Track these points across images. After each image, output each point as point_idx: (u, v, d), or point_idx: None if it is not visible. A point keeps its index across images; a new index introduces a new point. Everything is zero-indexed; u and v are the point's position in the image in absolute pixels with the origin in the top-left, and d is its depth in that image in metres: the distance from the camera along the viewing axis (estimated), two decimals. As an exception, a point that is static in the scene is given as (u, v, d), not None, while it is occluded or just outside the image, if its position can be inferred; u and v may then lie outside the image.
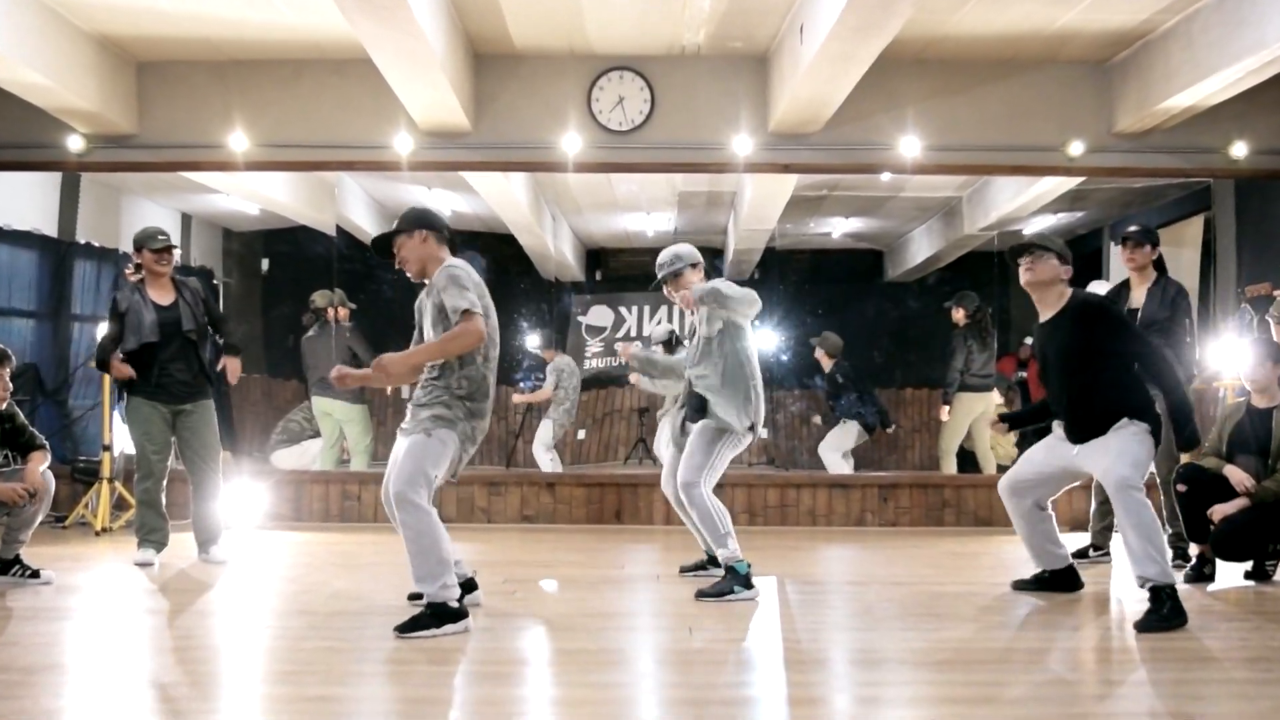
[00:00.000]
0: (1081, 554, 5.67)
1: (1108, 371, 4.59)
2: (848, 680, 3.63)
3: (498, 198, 8.70)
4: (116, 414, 7.09)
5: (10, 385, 5.08)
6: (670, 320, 10.06)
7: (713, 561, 5.41)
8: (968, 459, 8.65)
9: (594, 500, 7.70)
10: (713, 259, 10.13)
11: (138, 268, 5.85)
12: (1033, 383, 9.22)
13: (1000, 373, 9.02)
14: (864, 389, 8.93)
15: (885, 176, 8.05)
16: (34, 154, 7.60)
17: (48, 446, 5.20)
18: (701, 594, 4.85)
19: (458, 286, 4.17)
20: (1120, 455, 4.46)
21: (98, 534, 6.76)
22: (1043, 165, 7.73)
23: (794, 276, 10.36)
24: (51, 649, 3.93)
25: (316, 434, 8.58)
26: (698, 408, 5.11)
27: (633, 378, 5.44)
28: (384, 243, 4.45)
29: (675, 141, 7.60)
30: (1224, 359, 6.83)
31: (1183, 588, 5.03)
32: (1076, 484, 5.08)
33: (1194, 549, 5.34)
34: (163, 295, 5.78)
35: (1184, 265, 8.22)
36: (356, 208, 9.05)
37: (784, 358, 9.54)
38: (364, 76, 6.93)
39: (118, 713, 3.15)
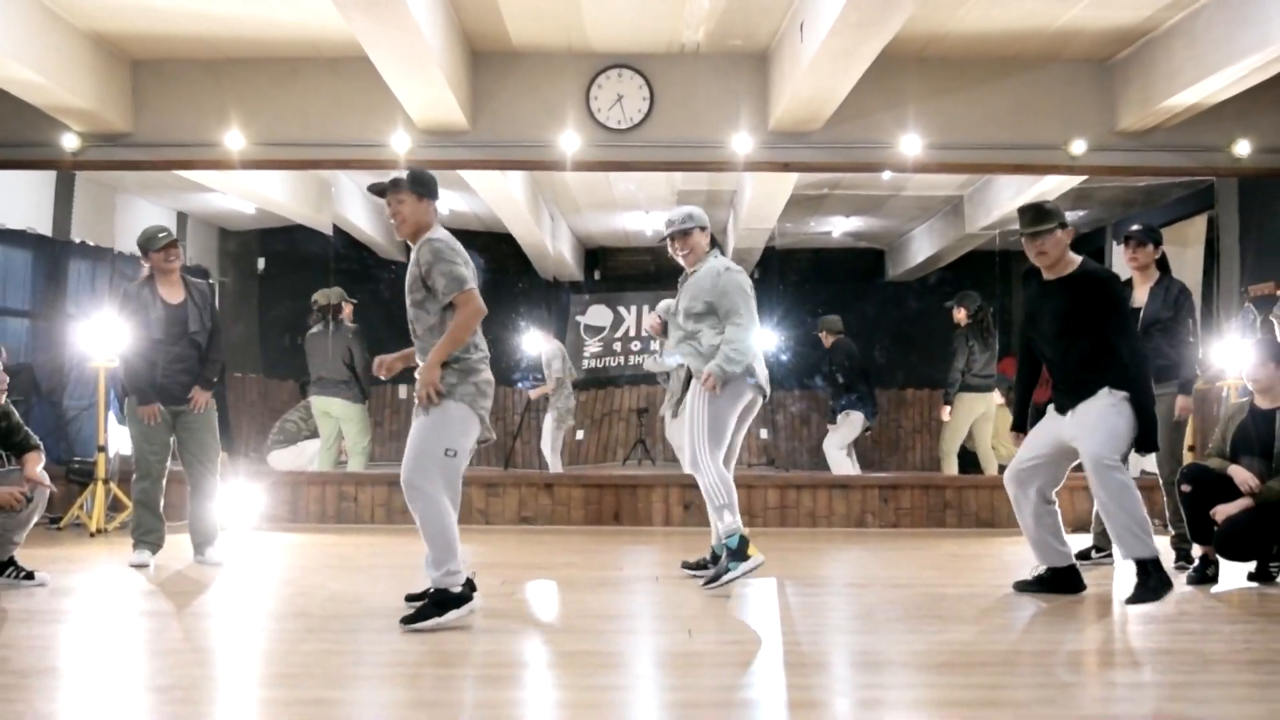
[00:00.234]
0: (1084, 555, 5.66)
1: (1096, 339, 4.67)
2: (848, 683, 3.63)
3: (495, 196, 8.70)
4: (112, 414, 7.09)
5: (5, 381, 5.07)
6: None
7: (715, 560, 5.39)
8: (969, 460, 8.65)
9: (592, 501, 7.70)
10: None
11: (150, 273, 5.84)
12: (1009, 371, 9.22)
13: (1001, 373, 9.01)
14: (863, 384, 8.93)
15: (886, 175, 8.05)
16: (28, 152, 7.60)
17: (42, 447, 5.19)
18: (705, 582, 4.93)
19: (446, 263, 4.22)
20: (1095, 430, 4.57)
21: (93, 535, 6.76)
22: (1045, 164, 7.74)
23: (794, 276, 10.36)
24: (46, 652, 3.92)
25: (313, 434, 8.58)
26: (689, 377, 5.16)
27: (648, 365, 5.56)
28: (383, 187, 4.43)
29: (674, 140, 7.61)
30: (1227, 359, 6.83)
31: (1186, 590, 5.05)
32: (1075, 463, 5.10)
33: (1197, 550, 5.34)
34: (173, 294, 5.78)
35: (1187, 264, 8.22)
36: (353, 207, 9.05)
37: (784, 358, 9.54)
38: (360, 74, 6.93)
39: (113, 716, 3.15)
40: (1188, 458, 6.07)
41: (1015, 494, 4.96)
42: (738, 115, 7.52)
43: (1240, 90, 6.78)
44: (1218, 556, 5.29)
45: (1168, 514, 5.78)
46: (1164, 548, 5.57)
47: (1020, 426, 5.20)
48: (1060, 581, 4.93)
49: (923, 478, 8.19)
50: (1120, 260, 6.08)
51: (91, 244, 8.46)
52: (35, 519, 5.07)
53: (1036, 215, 4.81)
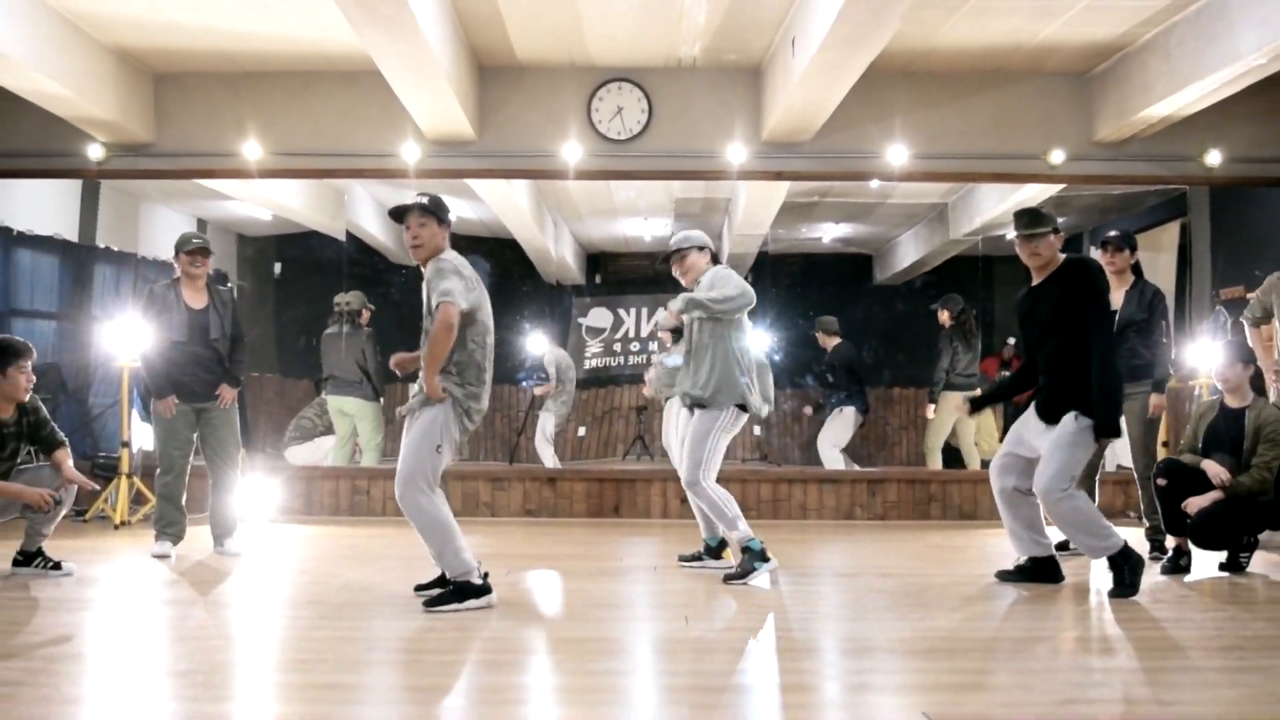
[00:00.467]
0: (1062, 546, 5.67)
1: (1076, 339, 4.64)
2: (838, 668, 3.63)
3: (501, 204, 8.70)
4: (135, 411, 7.10)
5: (34, 377, 5.07)
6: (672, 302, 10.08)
7: (710, 553, 5.42)
8: (953, 455, 8.65)
9: (593, 495, 7.70)
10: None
11: (177, 276, 5.84)
12: (990, 370, 9.22)
13: (983, 373, 9.03)
14: (854, 383, 8.93)
15: (874, 183, 8.06)
16: (55, 162, 7.60)
17: (68, 443, 5.18)
18: (729, 578, 4.95)
19: (441, 278, 4.27)
20: (1051, 463, 4.61)
21: (117, 527, 6.76)
22: (1026, 173, 7.75)
23: (786, 280, 10.36)
24: (73, 638, 3.92)
25: (328, 431, 8.59)
26: (698, 396, 5.17)
27: (648, 391, 5.59)
28: (403, 211, 4.43)
29: (672, 150, 7.60)
30: (1199, 359, 6.84)
31: (1160, 579, 5.06)
32: None
33: (1171, 541, 5.34)
34: (196, 299, 5.78)
35: (1161, 269, 8.23)
36: (366, 214, 9.05)
37: (776, 358, 9.53)
38: (372, 87, 6.93)
39: (136, 700, 3.15)
40: (1161, 453, 6.08)
41: (996, 484, 4.97)
42: (732, 126, 7.52)
43: (1212, 103, 6.78)
44: (1190, 547, 5.30)
45: (1143, 507, 5.79)
46: (1139, 539, 5.59)
47: (979, 405, 5.28)
48: (1040, 571, 4.94)
49: (908, 472, 8.19)
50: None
51: (116, 249, 8.46)
52: (63, 513, 5.08)
53: (1033, 219, 4.79)
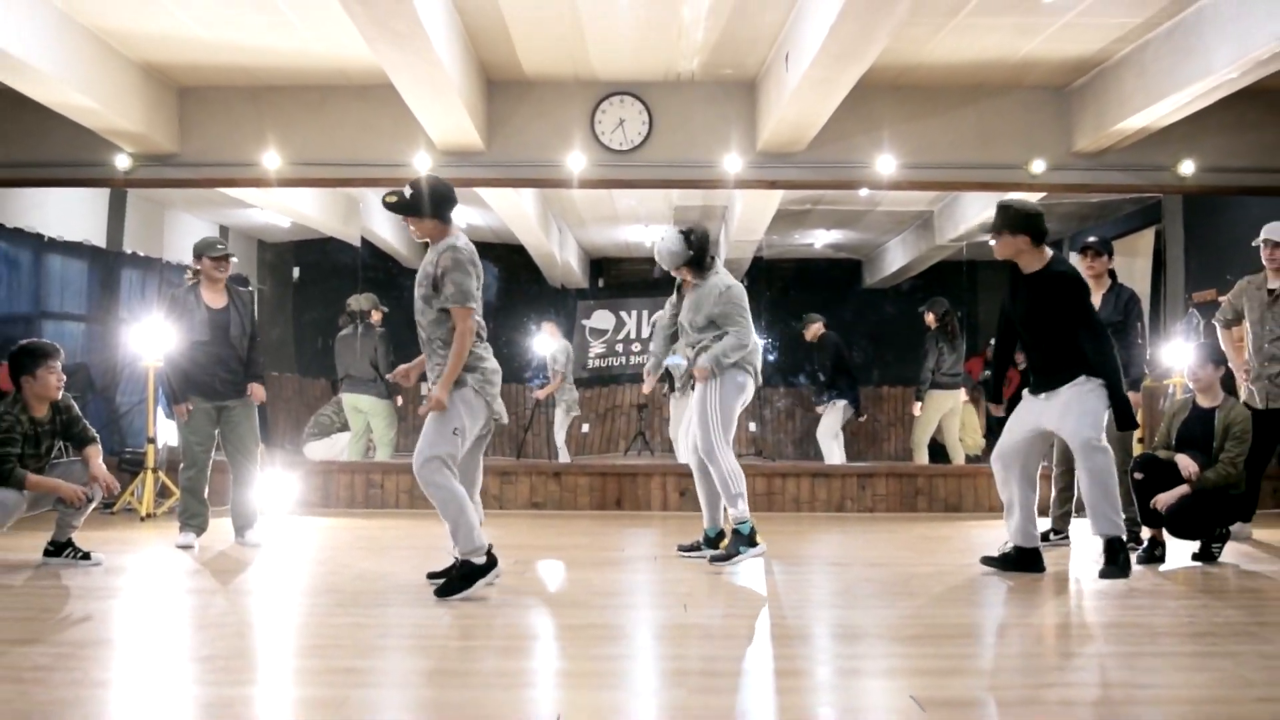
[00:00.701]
0: (1043, 537, 5.66)
1: (1065, 332, 4.65)
2: (829, 653, 3.63)
3: (509, 211, 8.70)
4: (160, 409, 7.10)
5: (64, 377, 5.07)
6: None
7: (709, 543, 5.39)
8: (938, 451, 8.65)
9: (597, 488, 7.70)
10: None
11: (195, 274, 5.85)
12: (974, 370, 9.22)
13: (967, 372, 9.02)
14: (844, 378, 8.95)
15: (864, 192, 8.05)
16: (84, 172, 7.61)
17: (98, 439, 5.18)
18: (714, 558, 4.91)
19: (461, 274, 4.21)
20: (1082, 415, 4.54)
21: (143, 519, 6.76)
22: (1007, 182, 7.74)
23: (780, 284, 10.35)
24: (101, 625, 3.93)
25: (344, 428, 8.58)
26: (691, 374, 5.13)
27: (646, 388, 5.50)
28: (397, 206, 4.38)
29: (671, 160, 7.61)
30: (1173, 359, 6.83)
31: (1136, 569, 5.04)
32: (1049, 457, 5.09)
33: (1146, 532, 5.34)
34: (216, 300, 5.78)
35: (1137, 273, 8.22)
36: (380, 221, 9.05)
37: (770, 357, 9.53)
38: (386, 100, 6.93)
39: (161, 684, 3.15)
40: (1137, 449, 6.07)
41: (1000, 474, 4.94)
42: (729, 138, 7.52)
43: (1185, 115, 6.78)
44: (1165, 538, 5.30)
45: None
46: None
47: (995, 398, 5.26)
48: (1023, 561, 4.93)
49: (896, 467, 8.18)
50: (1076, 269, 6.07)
51: (142, 254, 8.46)
52: (92, 507, 5.08)
53: (997, 218, 4.84)
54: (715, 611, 4.25)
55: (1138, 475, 5.27)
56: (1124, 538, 4.48)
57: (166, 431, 7.22)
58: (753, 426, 9.63)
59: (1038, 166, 7.54)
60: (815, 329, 9.08)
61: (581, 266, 11.08)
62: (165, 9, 6.13)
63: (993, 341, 9.35)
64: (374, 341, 8.40)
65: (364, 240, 8.66)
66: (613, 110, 7.55)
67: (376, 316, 8.51)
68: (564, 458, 9.24)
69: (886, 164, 7.49)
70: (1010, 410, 5.06)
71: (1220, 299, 6.48)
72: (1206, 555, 5.29)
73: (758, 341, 5.25)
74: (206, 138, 7.62)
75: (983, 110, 7.62)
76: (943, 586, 4.70)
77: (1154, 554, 5.27)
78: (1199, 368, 5.37)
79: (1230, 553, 5.47)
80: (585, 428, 10.32)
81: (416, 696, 3.09)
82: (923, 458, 8.60)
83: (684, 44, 6.81)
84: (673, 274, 5.35)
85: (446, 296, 4.22)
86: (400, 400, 8.61)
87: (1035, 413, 4.81)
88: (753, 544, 4.92)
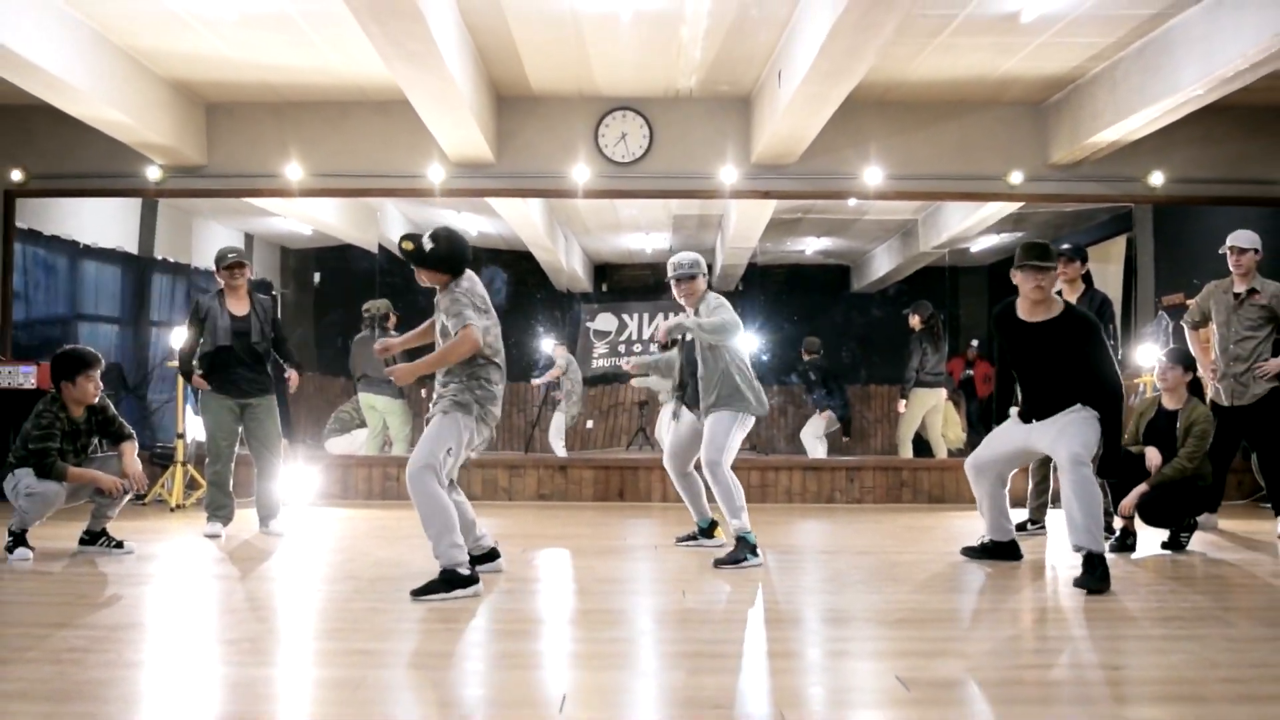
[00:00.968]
0: (1020, 527, 5.66)
1: (1078, 369, 4.49)
2: (819, 636, 3.62)
3: (517, 220, 8.70)
4: (189, 406, 7.09)
5: (101, 385, 5.07)
6: (668, 319, 10.06)
7: (703, 533, 5.40)
8: (922, 445, 8.64)
9: (600, 481, 7.69)
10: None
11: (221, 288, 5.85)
12: (978, 380, 9.21)
13: (948, 372, 9.01)
14: (833, 384, 8.97)
15: (852, 202, 8.05)
16: (118, 182, 7.62)
17: (134, 436, 5.18)
18: (718, 562, 4.81)
19: (458, 305, 4.14)
20: (1073, 435, 4.39)
21: (172, 510, 6.76)
22: (987, 192, 7.75)
23: (773, 288, 10.33)
24: (133, 609, 3.93)
25: (363, 424, 8.57)
26: (712, 403, 5.02)
27: (635, 381, 5.38)
28: (412, 255, 4.26)
29: (671, 172, 7.61)
30: (1143, 359, 6.83)
31: (1109, 557, 5.03)
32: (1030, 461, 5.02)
33: (1118, 523, 5.33)
34: (238, 306, 5.77)
35: (1109, 278, 8.21)
36: (396, 228, 9.02)
37: (764, 358, 9.52)
38: (402, 115, 6.93)
39: (189, 664, 3.15)
40: (1094, 446, 6.05)
41: (974, 478, 4.89)
42: (725, 150, 7.52)
43: (1154, 129, 6.78)
44: (1136, 527, 5.30)
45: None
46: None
47: (1000, 420, 5.06)
48: (1001, 550, 4.93)
49: (883, 461, 8.18)
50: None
51: (171, 260, 8.46)
52: (127, 499, 5.08)
53: (1044, 253, 4.49)
54: (712, 597, 4.24)
55: (1110, 472, 5.27)
56: (1104, 553, 4.34)
57: (195, 427, 7.22)
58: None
59: (1016, 178, 7.54)
60: (807, 355, 9.18)
61: (586, 272, 11.07)
62: (194, 30, 6.13)
63: (974, 343, 9.40)
64: (390, 343, 8.38)
65: (381, 247, 8.65)
66: (615, 124, 7.55)
67: (392, 320, 8.51)
68: (559, 454, 9.21)
69: (873, 175, 7.49)
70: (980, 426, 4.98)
71: (1188, 302, 6.47)
72: (1175, 544, 5.29)
73: (756, 384, 5.13)
74: (232, 150, 7.63)
75: (964, 125, 7.62)
76: (926, 573, 4.70)
77: (1125, 543, 5.27)
78: (1168, 369, 5.37)
79: (1197, 542, 5.47)
80: (590, 424, 10.31)
81: (430, 677, 3.08)
82: (907, 452, 8.59)
83: (683, 62, 6.81)
84: (676, 293, 5.17)
85: (453, 330, 4.15)
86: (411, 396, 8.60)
87: (1024, 432, 4.67)
88: (754, 553, 4.86)
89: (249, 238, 9.36)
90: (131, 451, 5.06)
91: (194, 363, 5.73)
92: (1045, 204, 7.91)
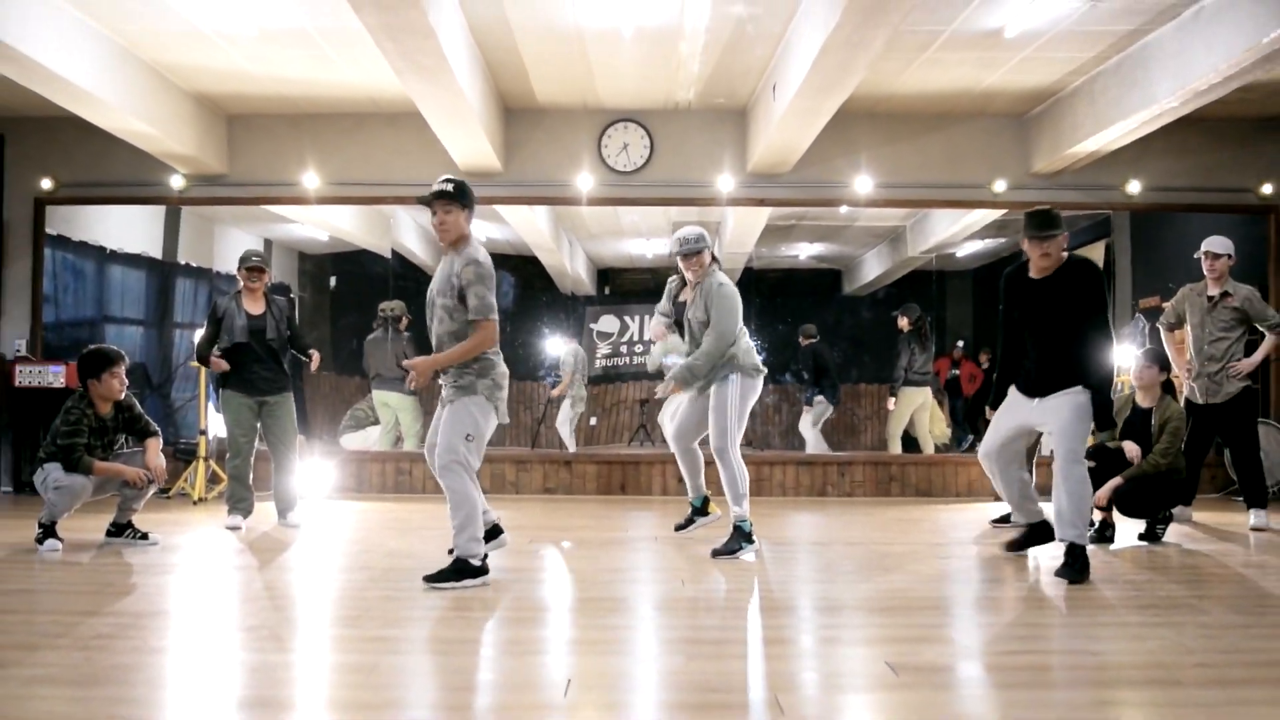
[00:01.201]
0: (1003, 519, 5.65)
1: (1079, 330, 4.34)
2: (812, 623, 3.62)
3: (524, 226, 8.69)
4: (211, 404, 7.10)
5: (126, 381, 5.06)
6: (664, 380, 10.06)
7: (697, 511, 5.30)
8: (910, 442, 8.64)
9: (603, 475, 7.69)
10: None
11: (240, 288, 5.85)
12: (963, 380, 9.20)
13: (935, 372, 9.00)
14: (829, 367, 8.99)
15: (843, 209, 8.04)
16: (143, 191, 7.62)
17: (160, 432, 5.17)
18: (715, 552, 4.77)
19: (484, 287, 4.04)
20: (1070, 430, 4.30)
21: (195, 503, 6.77)
22: (972, 200, 7.75)
23: (768, 291, 10.32)
24: (157, 598, 3.93)
25: (377, 421, 8.58)
26: (706, 385, 4.93)
27: (651, 365, 5.15)
28: (432, 195, 4.18)
29: (670, 180, 7.61)
30: (1121, 359, 6.82)
31: (1088, 547, 5.03)
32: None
33: (1098, 515, 5.32)
34: (254, 306, 5.78)
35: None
36: (408, 234, 9.04)
37: (760, 358, 9.52)
38: (414, 126, 6.94)
39: (211, 650, 3.15)
40: (1089, 440, 6.05)
41: (990, 469, 4.72)
42: (722, 160, 7.52)
43: (1132, 140, 6.78)
44: (1114, 519, 5.29)
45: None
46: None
47: (996, 403, 4.82)
48: (1036, 534, 4.72)
49: (873, 456, 8.17)
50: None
51: (194, 265, 8.46)
52: (151, 492, 5.08)
53: (1046, 221, 4.35)
54: (710, 586, 4.24)
55: (1090, 463, 5.24)
56: (1087, 547, 4.30)
57: (216, 424, 7.22)
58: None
59: (999, 186, 7.53)
60: (806, 339, 9.17)
61: (589, 276, 11.06)
62: (216, 46, 6.14)
63: (959, 344, 9.39)
64: (401, 344, 8.39)
65: (394, 252, 8.65)
66: (618, 135, 7.55)
67: (405, 321, 8.51)
68: (571, 447, 9.23)
69: (864, 184, 7.49)
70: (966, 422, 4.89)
71: (1164, 305, 6.47)
72: (1151, 536, 5.29)
73: (750, 344, 5.08)
74: (252, 160, 7.63)
75: (950, 135, 7.61)
76: (914, 563, 4.70)
77: (1104, 534, 5.27)
78: (1145, 369, 5.37)
79: (1173, 533, 5.46)
80: (593, 421, 10.32)
81: (441, 663, 3.08)
82: (896, 448, 8.58)
83: (682, 76, 6.81)
84: (684, 267, 5.00)
85: (473, 309, 4.04)
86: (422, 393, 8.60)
87: (1025, 410, 4.55)
88: (750, 540, 4.82)
89: (268, 243, 9.36)
90: (156, 446, 5.05)
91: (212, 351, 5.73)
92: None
